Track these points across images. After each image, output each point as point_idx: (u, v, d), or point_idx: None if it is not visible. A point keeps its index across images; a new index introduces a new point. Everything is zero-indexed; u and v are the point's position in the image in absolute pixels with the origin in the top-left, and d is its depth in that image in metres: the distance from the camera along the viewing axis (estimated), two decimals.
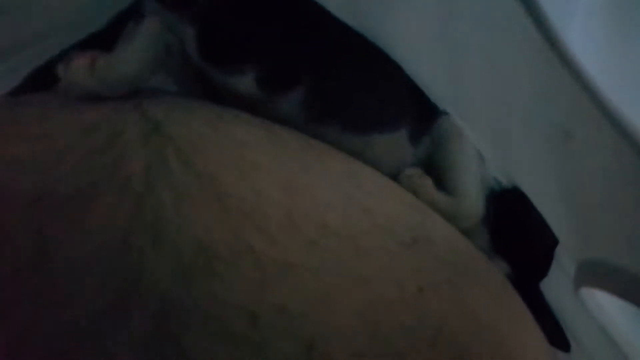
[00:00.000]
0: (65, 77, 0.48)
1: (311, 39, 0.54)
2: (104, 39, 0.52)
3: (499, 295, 0.49)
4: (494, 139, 0.58)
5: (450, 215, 0.54)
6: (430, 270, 0.45)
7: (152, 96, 0.49)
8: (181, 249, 0.40)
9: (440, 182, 0.56)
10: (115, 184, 0.42)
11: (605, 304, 0.54)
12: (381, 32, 0.58)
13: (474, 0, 0.53)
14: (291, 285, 0.41)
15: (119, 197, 0.42)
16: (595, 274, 0.50)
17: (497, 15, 0.51)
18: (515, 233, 0.58)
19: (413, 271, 0.45)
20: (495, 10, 0.51)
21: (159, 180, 0.42)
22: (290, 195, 0.44)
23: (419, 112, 0.59)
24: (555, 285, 0.58)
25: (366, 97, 0.56)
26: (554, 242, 0.57)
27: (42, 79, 0.55)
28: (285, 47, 0.52)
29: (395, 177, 0.55)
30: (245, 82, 0.51)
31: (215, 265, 0.39)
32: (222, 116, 0.48)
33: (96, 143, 0.45)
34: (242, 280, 0.39)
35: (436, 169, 0.57)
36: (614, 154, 0.45)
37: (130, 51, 0.49)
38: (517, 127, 0.54)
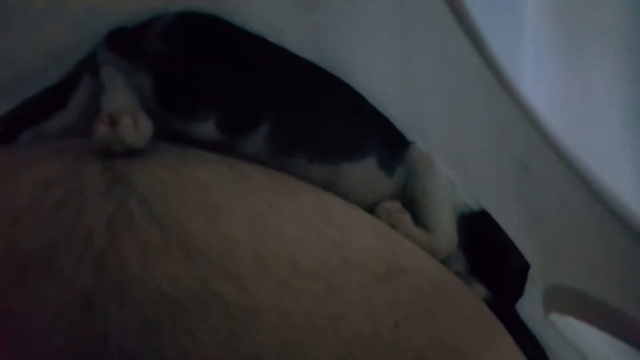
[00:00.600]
0: (109, 136, 0.45)
1: (273, 77, 0.53)
2: (59, 93, 0.51)
3: (477, 322, 0.48)
4: (457, 168, 0.59)
5: (426, 250, 0.53)
6: (405, 302, 0.45)
7: None
8: (147, 306, 0.39)
9: (416, 215, 0.56)
10: (76, 240, 0.41)
11: (577, 327, 0.54)
12: (342, 67, 0.58)
13: (430, 39, 0.54)
14: (263, 332, 0.40)
15: (80, 255, 0.41)
16: (561, 299, 0.51)
17: (452, 53, 0.52)
18: (489, 254, 0.57)
19: (388, 305, 0.44)
20: (450, 48, 0.52)
21: (122, 233, 0.41)
22: (257, 236, 0.44)
23: (386, 139, 0.58)
24: (532, 307, 0.59)
25: (331, 126, 0.55)
26: (525, 264, 0.57)
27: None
28: (244, 88, 0.51)
29: (371, 208, 0.54)
30: (206, 128, 0.50)
31: (183, 320, 0.38)
32: (184, 159, 0.47)
33: (56, 198, 0.43)
34: (213, 334, 0.38)
35: (411, 201, 0.57)
36: (568, 186, 0.46)
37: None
38: (478, 158, 0.56)
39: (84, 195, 0.43)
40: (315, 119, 0.54)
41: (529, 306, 0.60)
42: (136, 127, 0.46)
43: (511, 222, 0.57)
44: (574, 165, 0.44)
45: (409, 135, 0.62)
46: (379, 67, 0.59)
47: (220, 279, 0.40)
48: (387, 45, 0.58)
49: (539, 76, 0.79)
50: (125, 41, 0.52)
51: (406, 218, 0.54)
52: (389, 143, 0.59)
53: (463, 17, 0.49)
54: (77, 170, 0.46)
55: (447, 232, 0.56)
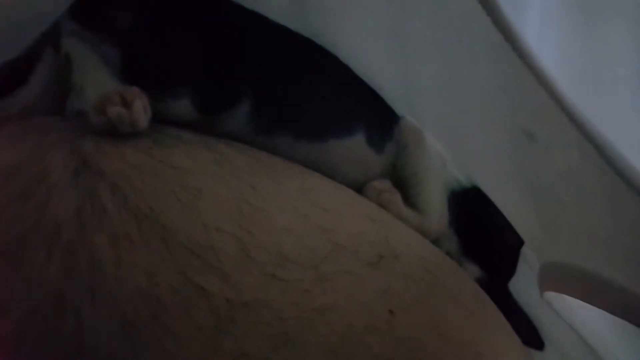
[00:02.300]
0: (123, 117, 0.42)
1: (251, 50, 0.49)
2: (21, 66, 0.47)
3: (471, 306, 0.47)
4: (451, 142, 0.56)
5: (417, 231, 0.51)
6: (399, 289, 0.42)
7: (79, 123, 0.44)
8: (123, 303, 0.36)
9: (406, 194, 0.53)
10: (44, 233, 0.38)
11: (572, 304, 0.53)
12: (329, 32, 0.54)
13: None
14: (250, 328, 0.37)
15: (48, 249, 0.37)
16: (558, 277, 0.49)
17: (454, 13, 0.48)
18: (481, 233, 0.56)
19: (381, 293, 0.42)
20: (452, 8, 0.48)
21: (93, 224, 0.38)
22: (241, 224, 0.41)
23: (375, 114, 0.55)
24: (525, 285, 0.57)
25: (316, 102, 0.52)
26: (519, 241, 0.55)
27: None
28: (221, 62, 0.48)
29: (360, 187, 0.52)
30: (181, 107, 0.46)
31: (163, 318, 0.36)
32: (159, 140, 0.43)
33: (20, 186, 0.40)
34: (196, 331, 0.36)
35: (402, 179, 0.54)
36: (578, 155, 0.43)
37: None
38: (475, 129, 0.52)
39: (49, 183, 0.39)
40: (300, 94, 0.51)
41: (522, 284, 0.59)
42: (145, 109, 0.43)
43: (508, 197, 0.54)
44: (587, 131, 0.41)
45: (399, 106, 0.59)
46: (367, 31, 0.55)
47: (203, 271, 0.37)
48: (378, 4, 0.53)
49: (544, 37, 0.74)
50: (90, 11, 0.48)
51: (396, 198, 0.52)
52: (378, 118, 0.56)
53: None
54: (42, 155, 0.42)
55: (438, 213, 0.54)
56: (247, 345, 0.37)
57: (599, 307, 0.50)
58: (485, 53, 0.45)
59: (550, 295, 0.54)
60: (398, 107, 0.57)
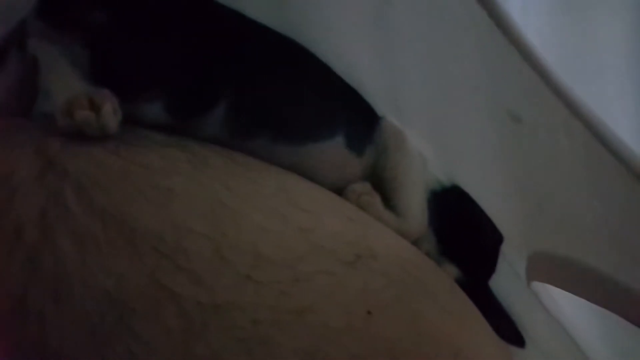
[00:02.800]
0: (92, 121, 0.40)
1: (226, 51, 0.48)
2: None
3: (449, 304, 0.46)
4: (434, 133, 0.55)
5: (397, 232, 0.50)
6: (377, 289, 0.41)
7: (46, 124, 0.43)
8: (89, 306, 0.34)
9: (387, 196, 0.52)
10: (5, 235, 0.36)
11: (558, 296, 0.52)
12: (310, 27, 0.53)
13: None
14: (222, 331, 0.35)
15: (10, 251, 0.36)
16: (544, 266, 0.48)
17: None
18: (460, 233, 0.55)
19: (359, 292, 0.41)
20: None
21: (57, 225, 0.36)
22: (215, 225, 0.39)
23: (355, 117, 0.54)
24: (505, 282, 0.56)
25: (295, 104, 0.50)
26: (498, 239, 0.55)
27: None
28: (198, 66, 0.46)
29: (340, 190, 0.51)
30: (153, 111, 0.44)
31: (131, 322, 0.34)
32: (127, 140, 0.42)
33: None
34: (165, 335, 0.34)
35: (382, 181, 0.53)
36: (564, 135, 0.42)
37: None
38: (459, 116, 0.51)
39: (13, 184, 0.38)
40: (278, 97, 0.50)
41: (502, 282, 0.58)
42: (115, 113, 0.41)
43: (492, 188, 0.54)
44: (575, 107, 0.40)
45: (383, 97, 0.57)
46: (349, 22, 0.53)
47: (172, 273, 0.36)
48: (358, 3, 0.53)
49: (527, 26, 0.72)
50: (58, 9, 0.46)
51: (376, 200, 0.51)
52: (359, 120, 0.55)
53: None
54: (6, 155, 0.40)
55: (417, 215, 0.53)
56: (219, 349, 0.35)
57: (584, 298, 0.49)
58: (470, 33, 0.44)
59: (536, 286, 0.54)
60: (381, 98, 0.56)
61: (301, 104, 0.51)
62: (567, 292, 0.50)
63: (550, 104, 0.39)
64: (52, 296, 0.34)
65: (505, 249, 0.57)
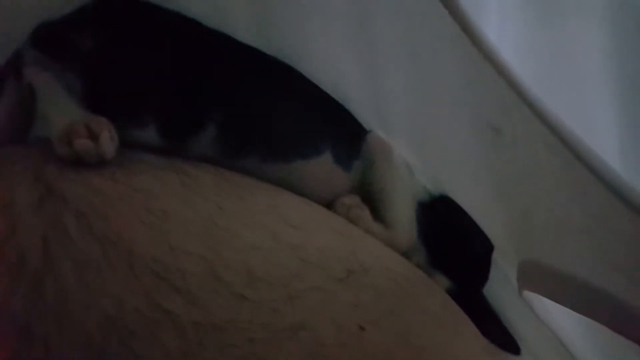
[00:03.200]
0: (90, 149, 0.41)
1: (214, 73, 0.49)
2: None
3: (441, 317, 0.47)
4: (418, 144, 0.56)
5: (387, 244, 0.51)
6: (368, 303, 0.43)
7: (43, 150, 0.44)
8: (91, 330, 0.35)
9: (375, 209, 0.54)
10: (9, 263, 0.38)
11: (551, 304, 0.53)
12: (294, 45, 0.54)
13: None
14: (219, 350, 0.37)
15: (14, 279, 0.37)
16: (532, 275, 0.49)
17: (414, 10, 0.48)
18: (450, 243, 0.56)
19: (351, 308, 0.42)
20: (412, 4, 0.48)
21: (59, 252, 0.38)
22: (209, 245, 0.41)
23: (342, 132, 0.56)
24: (498, 290, 0.57)
25: (282, 123, 0.52)
26: (489, 247, 0.56)
27: None
28: (184, 89, 0.48)
29: (329, 204, 0.52)
30: (146, 135, 0.46)
31: (132, 343, 0.35)
32: (123, 164, 0.43)
33: None
34: (163, 355, 0.35)
35: (370, 194, 0.55)
36: (543, 148, 0.43)
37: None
38: (442, 126, 0.52)
39: (14, 212, 0.39)
40: (265, 117, 0.51)
41: (496, 289, 0.59)
42: (112, 140, 0.43)
43: (478, 195, 0.55)
44: (551, 123, 0.41)
45: (367, 112, 0.59)
46: (331, 39, 0.55)
47: (169, 295, 0.37)
48: (339, 9, 0.54)
49: (504, 35, 0.74)
50: (51, 38, 0.48)
51: (365, 213, 0.52)
52: (346, 135, 0.56)
53: None
54: (6, 184, 0.41)
55: (406, 227, 0.55)
56: None
57: (568, 307, 0.50)
58: (448, 49, 0.45)
59: (529, 295, 0.55)
60: (366, 113, 0.57)
61: (289, 123, 0.52)
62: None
63: (527, 118, 0.41)
64: (56, 320, 0.35)
65: (497, 256, 0.58)
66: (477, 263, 0.58)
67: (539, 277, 0.49)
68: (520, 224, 0.52)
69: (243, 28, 0.53)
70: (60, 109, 0.45)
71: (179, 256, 0.39)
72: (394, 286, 0.45)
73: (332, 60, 0.56)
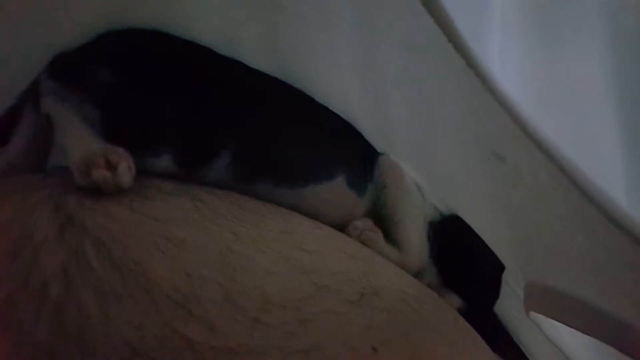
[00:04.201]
0: (108, 180, 0.43)
1: (227, 101, 0.51)
2: (2, 126, 0.48)
3: (453, 337, 0.48)
4: (427, 169, 0.58)
5: (398, 266, 0.52)
6: (381, 325, 0.44)
7: (62, 179, 0.46)
8: (113, 358, 0.37)
9: (387, 231, 0.55)
10: (32, 291, 0.39)
11: (558, 324, 0.54)
12: (302, 71, 0.56)
13: (395, 28, 0.51)
14: None
15: (37, 307, 0.38)
16: (538, 297, 0.50)
17: (418, 41, 0.50)
18: (461, 262, 0.57)
19: (364, 329, 0.43)
20: (415, 35, 0.50)
21: (79, 280, 0.39)
22: (225, 271, 0.42)
23: (356, 156, 0.57)
24: (509, 309, 0.58)
25: (296, 148, 0.53)
26: (500, 266, 0.57)
27: None
28: (200, 118, 0.49)
29: (342, 226, 0.53)
30: (162, 164, 0.47)
31: None
32: (140, 193, 0.45)
33: (7, 246, 0.41)
34: None
35: (382, 217, 0.56)
36: (545, 176, 0.45)
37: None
38: (448, 154, 0.54)
39: (36, 241, 0.41)
40: (279, 143, 0.53)
41: (506, 307, 0.60)
42: (130, 170, 0.44)
43: (484, 219, 0.56)
44: (550, 153, 0.42)
45: (376, 137, 0.60)
46: (340, 69, 0.56)
47: (188, 321, 0.38)
48: (348, 43, 0.55)
49: (507, 56, 0.75)
50: (69, 69, 0.49)
51: (378, 236, 0.53)
52: (359, 159, 0.57)
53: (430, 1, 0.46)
54: (27, 214, 0.43)
55: (418, 249, 0.56)
56: None
57: (574, 328, 0.51)
58: (452, 80, 0.46)
59: (537, 315, 0.56)
60: (375, 139, 0.59)
61: (302, 148, 0.54)
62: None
63: (528, 148, 0.42)
64: (78, 349, 0.36)
65: (507, 275, 0.59)
66: (488, 281, 0.58)
67: (545, 299, 0.49)
68: (525, 247, 0.52)
69: (255, 56, 0.55)
70: (78, 140, 0.46)
71: (196, 283, 0.40)
72: (405, 307, 0.46)
73: (340, 88, 0.58)
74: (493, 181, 0.50)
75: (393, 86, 0.56)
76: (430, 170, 0.58)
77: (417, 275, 0.54)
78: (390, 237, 0.55)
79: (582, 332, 0.49)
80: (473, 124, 0.50)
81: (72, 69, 0.49)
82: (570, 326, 0.51)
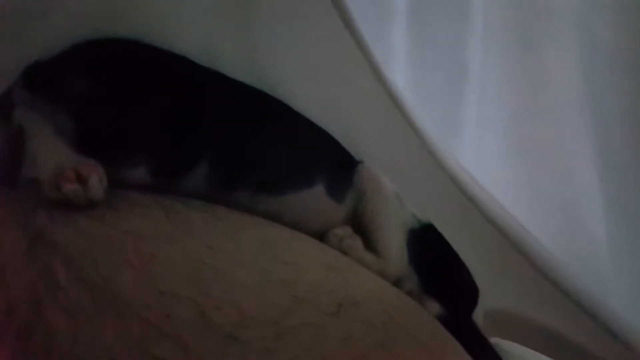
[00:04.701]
0: (79, 193, 0.41)
1: (206, 110, 0.50)
2: None
3: (432, 345, 0.47)
4: (397, 180, 0.57)
5: (378, 274, 0.52)
6: (360, 336, 0.43)
7: (32, 193, 0.44)
8: None
9: (367, 239, 0.54)
10: None
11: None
12: (280, 81, 0.55)
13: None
14: None
15: (2, 328, 0.37)
16: (499, 323, 0.50)
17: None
18: (441, 270, 0.56)
19: (342, 342, 0.42)
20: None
21: (48, 299, 0.38)
22: (199, 287, 0.41)
23: (334, 164, 0.56)
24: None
25: (274, 157, 0.52)
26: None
27: None
28: (177, 128, 0.48)
29: (322, 234, 0.53)
30: (138, 175, 0.46)
31: None
32: (112, 205, 0.43)
33: None
34: None
35: (362, 225, 0.55)
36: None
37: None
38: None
39: (3, 259, 0.40)
40: (258, 151, 0.51)
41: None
42: (101, 183, 0.43)
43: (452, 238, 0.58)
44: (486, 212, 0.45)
45: (352, 150, 0.60)
46: (317, 83, 0.56)
47: (159, 341, 0.37)
48: (326, 56, 0.55)
49: (488, 71, 0.76)
50: (43, 79, 0.48)
51: (357, 244, 0.52)
52: (338, 167, 0.57)
53: None
54: None
55: (397, 256, 0.55)
56: None
57: (540, 352, 0.51)
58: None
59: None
60: (352, 151, 0.58)
61: (280, 156, 0.52)
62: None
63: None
64: None
65: None
66: (466, 288, 0.58)
67: (507, 324, 0.50)
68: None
69: (234, 67, 0.54)
70: (50, 151, 0.45)
71: (169, 301, 0.39)
72: (384, 317, 0.45)
73: (316, 102, 0.57)
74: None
75: (363, 103, 0.56)
76: (401, 183, 0.58)
77: (398, 282, 0.54)
78: (369, 244, 0.54)
79: (545, 354, 0.50)
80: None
81: (46, 79, 0.47)
82: (533, 349, 0.51)
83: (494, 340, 0.54)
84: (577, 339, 0.44)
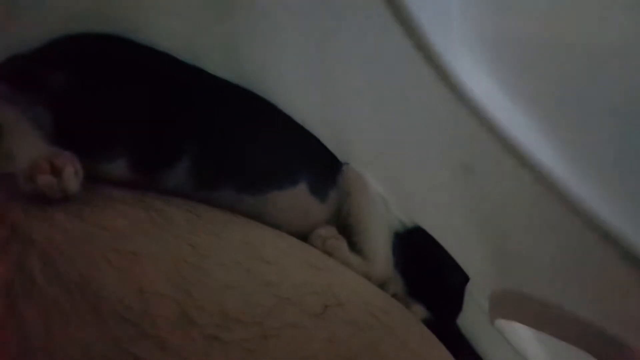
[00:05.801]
0: (53, 185, 0.40)
1: (186, 106, 0.49)
2: None
3: (418, 348, 0.46)
4: (392, 182, 0.56)
5: (364, 276, 0.51)
6: (345, 338, 0.42)
7: (8, 187, 0.43)
8: None
9: (352, 240, 0.53)
10: None
11: (521, 332, 0.53)
12: (262, 80, 0.54)
13: (360, 40, 0.50)
14: None
15: None
16: (507, 305, 0.49)
17: (386, 53, 0.49)
18: (426, 273, 0.56)
19: (327, 343, 0.41)
20: (384, 48, 0.48)
21: (24, 298, 0.36)
22: (180, 286, 0.39)
23: (318, 163, 0.56)
24: (472, 321, 0.57)
25: (257, 154, 0.51)
26: (464, 278, 0.56)
27: None
28: (158, 122, 0.47)
29: (305, 235, 0.52)
30: (116, 169, 0.45)
31: None
32: (91, 202, 0.42)
33: None
34: None
35: (346, 226, 0.55)
36: (514, 183, 0.44)
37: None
38: (415, 166, 0.53)
39: None
40: (241, 148, 0.51)
41: (469, 318, 0.59)
42: (76, 175, 0.41)
43: (452, 231, 0.55)
44: (525, 160, 0.42)
45: (338, 151, 0.59)
46: (300, 77, 0.55)
47: (138, 340, 0.36)
48: (306, 54, 0.54)
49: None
50: (21, 71, 0.47)
51: (342, 245, 0.52)
52: (321, 166, 0.56)
53: (400, 10, 0.44)
54: None
55: (383, 258, 0.54)
56: None
57: (547, 333, 0.50)
58: (418, 90, 0.45)
59: (501, 324, 0.55)
60: (338, 152, 0.57)
61: (264, 153, 0.52)
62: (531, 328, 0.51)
63: (499, 156, 0.41)
64: None
65: (472, 287, 0.58)
66: (451, 293, 0.58)
67: (514, 305, 0.49)
68: (495, 255, 0.52)
69: (216, 64, 0.53)
70: (25, 144, 0.43)
71: (149, 300, 0.38)
72: (370, 319, 0.44)
73: (301, 100, 0.56)
74: (462, 193, 0.49)
75: (354, 100, 0.55)
76: (393, 182, 0.57)
77: (384, 286, 0.53)
78: (355, 246, 0.53)
79: (553, 335, 0.48)
80: (441, 136, 0.48)
81: (24, 72, 0.46)
82: (540, 330, 0.50)
83: (498, 322, 0.52)
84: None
